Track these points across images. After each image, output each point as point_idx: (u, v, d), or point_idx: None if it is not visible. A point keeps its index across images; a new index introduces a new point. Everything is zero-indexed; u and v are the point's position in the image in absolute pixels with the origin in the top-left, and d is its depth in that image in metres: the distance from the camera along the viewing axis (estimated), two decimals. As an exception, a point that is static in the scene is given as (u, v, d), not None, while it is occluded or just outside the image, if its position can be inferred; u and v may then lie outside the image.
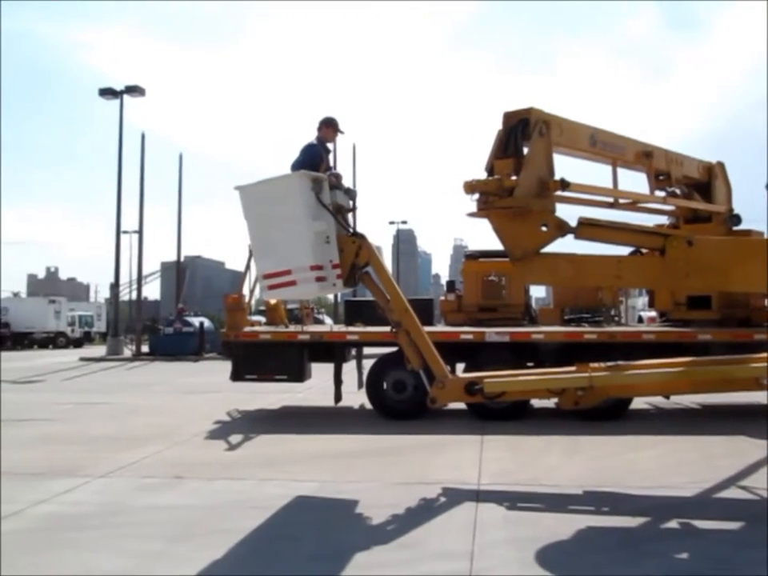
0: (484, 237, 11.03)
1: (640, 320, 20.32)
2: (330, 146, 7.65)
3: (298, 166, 6.92)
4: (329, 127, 7.48)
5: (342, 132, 7.58)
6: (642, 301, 21.58)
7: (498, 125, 6.82)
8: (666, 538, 4.90)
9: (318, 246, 6.24)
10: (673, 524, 5.18)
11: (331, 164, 7.53)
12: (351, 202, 7.17)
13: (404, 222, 67.90)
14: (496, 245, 8.76)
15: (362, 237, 6.73)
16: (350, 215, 7.22)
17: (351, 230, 6.77)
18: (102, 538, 4.92)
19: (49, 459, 7.64)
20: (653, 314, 16.66)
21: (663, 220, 9.99)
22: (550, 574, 4.18)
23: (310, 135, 7.51)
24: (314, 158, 7.10)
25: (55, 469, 7.10)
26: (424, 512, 5.49)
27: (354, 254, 6.61)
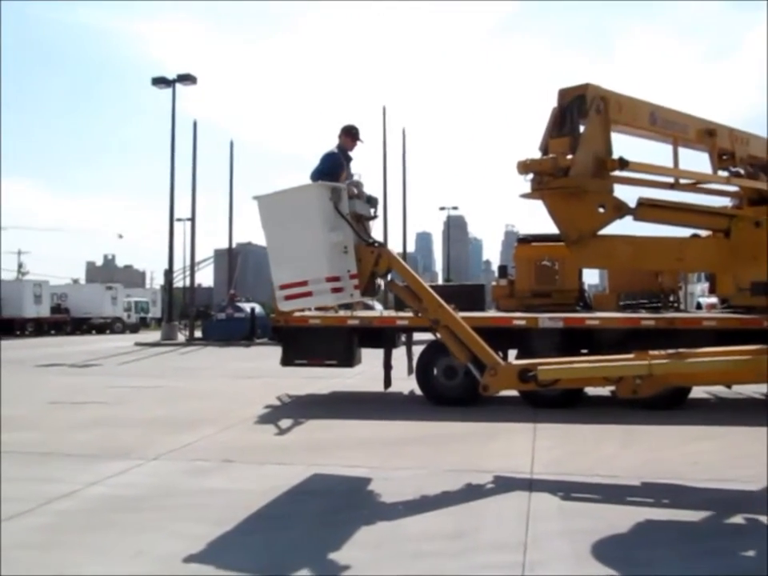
0: (535, 224, 10.80)
1: (699, 306, 19.68)
2: (351, 153, 7.55)
3: (317, 175, 6.85)
4: (347, 136, 7.34)
5: (361, 141, 7.44)
6: (700, 287, 20.90)
7: (552, 105, 6.57)
8: (730, 534, 4.67)
9: (335, 256, 6.14)
10: (738, 519, 4.93)
11: (353, 171, 7.40)
12: (372, 210, 7.05)
13: (455, 208, 68.11)
14: (548, 230, 8.53)
15: (381, 245, 6.62)
16: (371, 223, 7.11)
17: (370, 240, 6.67)
18: (154, 520, 4.94)
19: (103, 441, 7.77)
20: (713, 300, 16.08)
21: (725, 202, 9.57)
22: (606, 567, 4.00)
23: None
24: (333, 167, 6.99)
25: (109, 451, 7.21)
26: (475, 501, 5.36)
27: (373, 263, 6.50)
